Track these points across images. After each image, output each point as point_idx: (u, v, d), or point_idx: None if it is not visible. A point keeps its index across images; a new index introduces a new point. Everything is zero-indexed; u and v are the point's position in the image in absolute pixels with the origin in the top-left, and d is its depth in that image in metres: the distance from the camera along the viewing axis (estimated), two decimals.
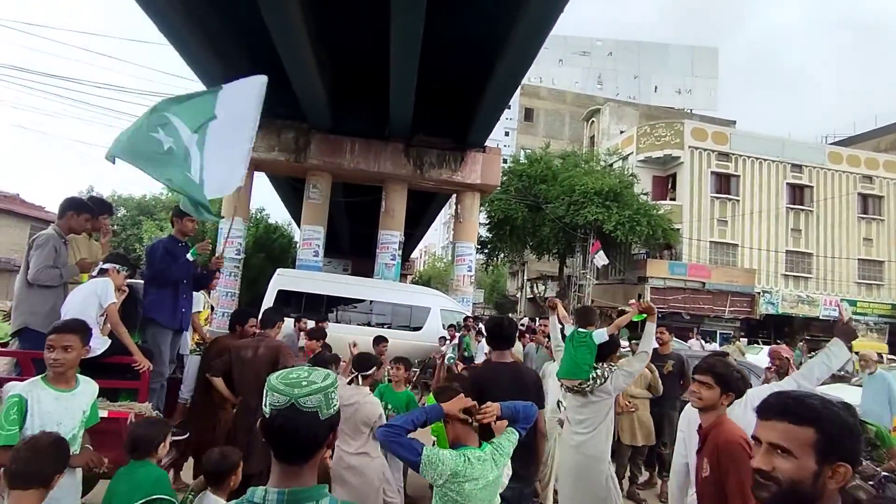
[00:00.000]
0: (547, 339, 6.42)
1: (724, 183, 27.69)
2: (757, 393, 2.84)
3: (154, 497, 2.27)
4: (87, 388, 2.51)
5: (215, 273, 4.88)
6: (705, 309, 25.42)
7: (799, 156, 28.50)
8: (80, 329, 2.47)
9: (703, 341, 19.64)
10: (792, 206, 28.19)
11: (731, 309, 25.64)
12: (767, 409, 1.25)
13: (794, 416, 1.20)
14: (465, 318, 11.26)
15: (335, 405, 1.24)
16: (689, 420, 2.82)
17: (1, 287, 28.69)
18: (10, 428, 2.13)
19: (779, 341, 22.12)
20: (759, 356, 18.62)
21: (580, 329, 3.74)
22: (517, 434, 2.12)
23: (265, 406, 1.20)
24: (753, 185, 27.82)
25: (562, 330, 4.09)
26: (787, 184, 28.23)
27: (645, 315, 3.65)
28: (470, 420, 2.09)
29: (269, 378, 1.24)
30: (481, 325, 10.33)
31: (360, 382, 3.64)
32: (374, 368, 3.78)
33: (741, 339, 24.93)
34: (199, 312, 5.39)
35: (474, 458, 1.97)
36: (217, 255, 4.66)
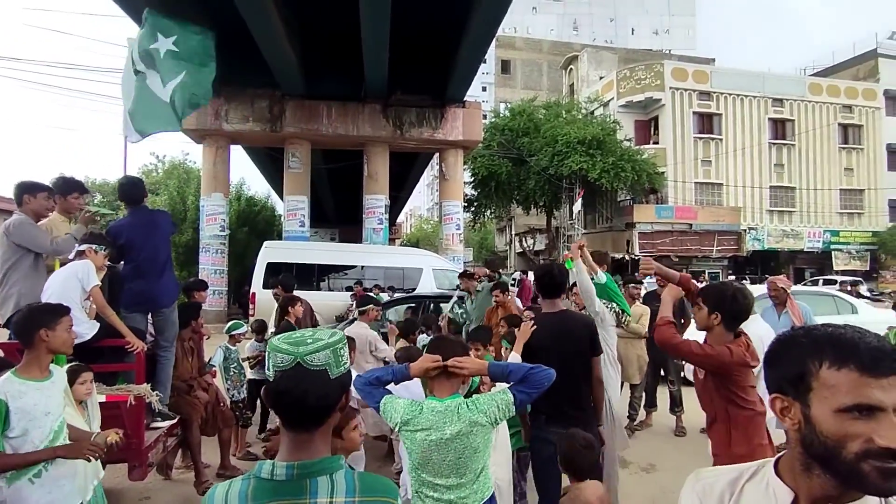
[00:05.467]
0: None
1: (706, 122, 27.53)
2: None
3: None
4: (60, 375, 2.38)
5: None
6: (693, 250, 25.70)
7: (780, 89, 28.31)
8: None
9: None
10: (774, 141, 28.19)
11: (719, 248, 25.95)
12: (885, 362, 0.84)
13: None
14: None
15: (345, 363, 1.14)
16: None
17: None
18: None
19: (766, 276, 22.53)
20: None
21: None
22: (510, 396, 2.00)
23: (268, 370, 1.10)
24: (735, 123, 27.70)
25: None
26: (769, 119, 28.13)
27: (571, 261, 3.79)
28: (435, 372, 2.08)
29: (271, 340, 1.14)
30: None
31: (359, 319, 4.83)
32: (371, 307, 4.99)
33: (728, 276, 25.40)
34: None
35: (428, 408, 1.96)
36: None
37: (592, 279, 3.91)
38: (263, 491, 1.06)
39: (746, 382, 2.45)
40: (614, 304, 4.04)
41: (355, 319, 5.19)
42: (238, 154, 18.56)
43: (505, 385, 2.12)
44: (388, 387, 2.12)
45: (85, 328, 3.17)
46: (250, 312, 10.66)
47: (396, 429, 2.01)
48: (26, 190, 3.49)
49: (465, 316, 6.63)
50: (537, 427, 2.97)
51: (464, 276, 6.96)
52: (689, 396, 4.28)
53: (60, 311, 2.31)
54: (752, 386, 2.49)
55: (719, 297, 2.51)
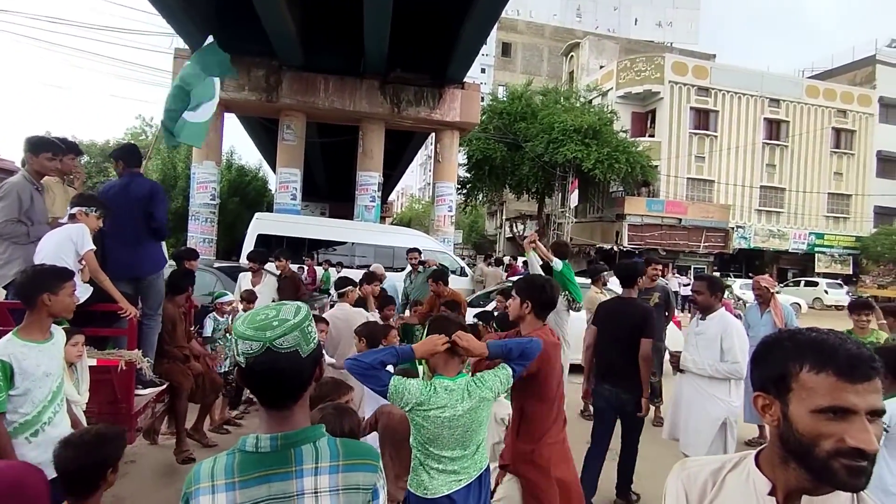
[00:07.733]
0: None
1: (702, 118, 27.59)
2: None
3: None
4: (60, 336, 2.41)
5: None
6: (681, 245, 25.96)
7: (777, 90, 28.39)
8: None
9: (680, 278, 19.04)
10: (768, 141, 28.36)
11: (706, 244, 26.25)
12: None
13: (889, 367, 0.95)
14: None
15: (314, 339, 1.14)
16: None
17: None
18: None
19: (750, 274, 22.89)
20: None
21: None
22: (510, 370, 2.15)
23: (237, 355, 1.09)
24: (731, 121, 27.79)
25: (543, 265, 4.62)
26: (765, 119, 28.26)
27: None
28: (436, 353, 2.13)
29: (235, 325, 1.14)
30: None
31: (339, 301, 4.63)
32: (349, 288, 4.70)
33: (714, 272, 25.74)
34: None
35: (441, 387, 2.05)
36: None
37: (550, 265, 4.57)
38: (249, 463, 1.08)
39: (553, 371, 2.50)
40: (567, 292, 4.63)
41: (335, 302, 4.90)
42: (229, 122, 18.27)
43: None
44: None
45: (78, 292, 3.15)
46: None
47: (408, 409, 2.03)
48: (29, 148, 3.41)
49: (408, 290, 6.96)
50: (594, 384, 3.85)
51: (412, 251, 7.31)
52: (668, 387, 4.40)
53: (65, 275, 2.33)
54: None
55: (530, 287, 2.62)
